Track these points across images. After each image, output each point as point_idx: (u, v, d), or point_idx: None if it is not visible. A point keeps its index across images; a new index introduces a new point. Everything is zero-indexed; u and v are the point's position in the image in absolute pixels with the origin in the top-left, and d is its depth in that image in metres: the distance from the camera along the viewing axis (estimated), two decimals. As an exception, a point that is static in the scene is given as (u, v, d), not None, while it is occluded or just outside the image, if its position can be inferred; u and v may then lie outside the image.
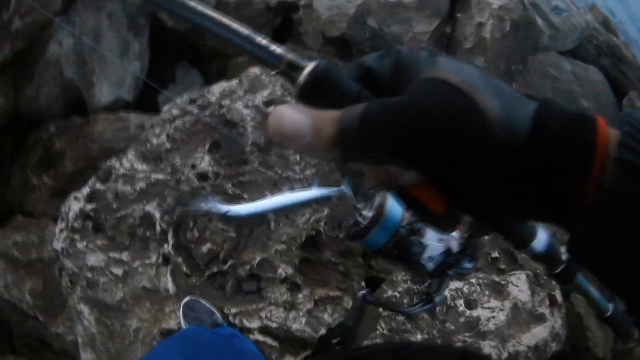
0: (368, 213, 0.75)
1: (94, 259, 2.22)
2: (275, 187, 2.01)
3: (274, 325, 1.90)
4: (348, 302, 1.88)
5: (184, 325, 1.93)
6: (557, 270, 0.76)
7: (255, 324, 1.90)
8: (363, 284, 1.94)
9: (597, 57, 3.33)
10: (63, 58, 3.07)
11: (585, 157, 0.34)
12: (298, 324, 1.87)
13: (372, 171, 0.42)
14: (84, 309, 2.20)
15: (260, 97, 2.14)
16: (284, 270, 1.93)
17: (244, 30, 0.45)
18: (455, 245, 0.81)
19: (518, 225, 0.61)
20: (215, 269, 2.00)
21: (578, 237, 0.35)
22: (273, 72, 0.45)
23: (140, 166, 2.25)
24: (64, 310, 2.57)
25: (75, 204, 2.38)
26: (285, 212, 1.94)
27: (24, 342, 2.80)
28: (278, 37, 2.77)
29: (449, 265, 0.82)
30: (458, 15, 2.93)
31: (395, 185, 0.40)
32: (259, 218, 2.01)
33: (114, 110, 2.91)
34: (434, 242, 0.80)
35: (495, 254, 2.03)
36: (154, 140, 2.26)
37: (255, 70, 2.25)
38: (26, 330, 2.75)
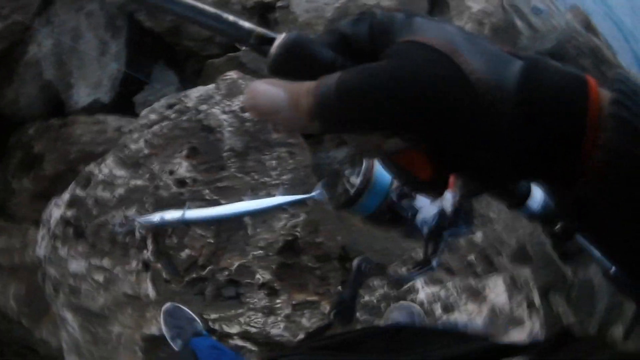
0: (356, 180, 0.74)
1: (76, 265, 2.23)
2: (253, 192, 2.03)
3: (253, 330, 1.93)
4: (325, 307, 1.91)
5: (165, 332, 1.95)
6: (557, 228, 0.76)
7: (234, 329, 1.94)
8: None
9: (576, 58, 3.33)
10: (42, 59, 3.04)
11: (579, 116, 0.33)
12: (277, 329, 1.90)
13: (354, 140, 0.41)
14: (68, 315, 2.23)
15: (237, 102, 2.14)
16: (262, 275, 1.96)
17: (210, 9, 0.43)
18: (448, 207, 0.79)
19: (513, 185, 0.61)
20: (194, 275, 2.03)
21: (578, 197, 0.34)
22: (243, 47, 0.44)
23: (119, 172, 2.25)
24: (48, 314, 2.58)
25: (56, 210, 2.39)
26: (246, 217, 1.97)
27: (13, 350, 2.82)
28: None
29: (444, 227, 0.80)
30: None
31: (378, 153, 0.39)
32: (237, 223, 2.03)
33: (91, 111, 2.91)
34: (427, 205, 0.78)
35: (472, 258, 2.06)
36: (132, 146, 2.26)
37: (232, 74, 2.25)
38: (14, 337, 2.76)
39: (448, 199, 0.79)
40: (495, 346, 0.71)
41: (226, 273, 1.98)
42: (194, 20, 0.43)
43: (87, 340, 2.17)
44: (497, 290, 2.04)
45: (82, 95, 2.93)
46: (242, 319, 1.94)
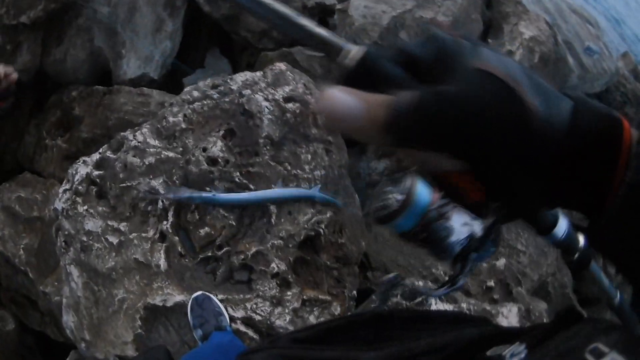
0: (397, 196, 0.75)
1: (92, 224, 2.22)
2: (283, 182, 2.02)
3: (257, 317, 1.89)
4: (337, 308, 1.87)
5: (189, 318, 1.91)
6: (575, 257, 0.81)
7: (239, 313, 1.90)
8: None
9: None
10: (95, 26, 3.10)
11: (614, 153, 0.37)
12: (282, 321, 1.86)
13: (412, 156, 0.43)
14: (74, 271, 2.21)
15: (281, 92, 2.15)
16: (277, 265, 1.92)
17: (286, 10, 0.45)
18: (478, 230, 0.82)
19: (544, 213, 0.66)
20: (209, 253, 2.00)
21: (601, 225, 0.38)
22: (316, 54, 0.47)
23: (153, 141, 2.26)
24: (56, 271, 2.57)
25: (82, 168, 2.39)
26: (271, 206, 1.95)
27: (10, 296, 2.81)
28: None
29: (472, 249, 0.83)
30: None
31: (435, 171, 0.42)
32: (261, 210, 2.01)
33: (138, 85, 2.94)
34: (459, 227, 0.80)
35: (491, 284, 2.01)
36: (171, 118, 2.27)
37: (281, 65, 2.26)
38: (14, 285, 2.76)
39: (478, 223, 0.82)
40: (492, 330, 0.67)
41: (242, 257, 1.95)
42: (268, 20, 0.45)
43: (88, 298, 2.14)
44: (510, 318, 1.98)
45: (131, 67, 2.97)
46: (248, 305, 1.90)
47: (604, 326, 0.44)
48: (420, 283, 1.79)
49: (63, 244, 2.30)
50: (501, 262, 2.07)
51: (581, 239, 0.82)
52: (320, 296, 1.92)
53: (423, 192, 0.75)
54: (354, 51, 0.40)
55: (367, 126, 0.37)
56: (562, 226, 0.76)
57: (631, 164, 0.37)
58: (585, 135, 0.37)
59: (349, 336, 0.77)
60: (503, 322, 1.92)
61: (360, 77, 0.40)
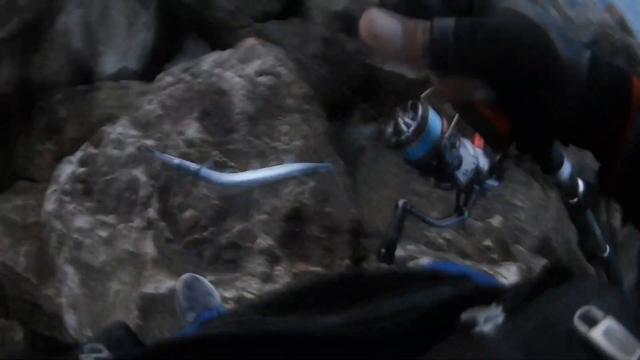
0: (411, 122, 0.74)
1: (82, 221, 2.22)
2: (263, 155, 1.98)
3: (249, 296, 1.86)
4: (326, 276, 1.83)
5: (181, 302, 1.89)
6: (574, 200, 0.85)
7: (230, 293, 1.87)
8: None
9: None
10: (71, 29, 3.09)
11: (627, 102, 0.41)
12: (273, 296, 1.83)
13: (444, 83, 0.44)
14: (69, 269, 2.22)
15: (253, 67, 2.11)
16: (264, 240, 1.89)
17: None
18: (484, 163, 0.84)
19: (552, 152, 0.68)
20: (196, 235, 1.98)
21: (611, 167, 0.43)
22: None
23: (131, 131, 2.24)
24: (56, 273, 2.58)
25: (67, 167, 2.39)
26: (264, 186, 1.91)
27: (17, 305, 2.83)
28: (286, 12, 2.74)
29: (477, 181, 0.84)
30: None
31: (465, 100, 0.44)
32: (242, 189, 1.98)
33: (120, 79, 2.93)
34: (468, 157, 0.81)
35: (488, 243, 1.95)
36: (147, 107, 2.25)
37: (251, 40, 2.22)
38: (19, 294, 2.78)
39: (484, 156, 0.85)
40: (471, 290, 0.60)
41: (227, 235, 1.93)
42: None
43: (85, 295, 2.15)
44: (510, 278, 1.92)
45: (110, 63, 2.96)
46: (239, 284, 1.87)
47: (597, 287, 0.39)
48: (413, 246, 1.74)
49: (57, 244, 2.31)
50: (497, 220, 2.00)
51: (581, 185, 0.85)
52: (310, 268, 1.89)
53: (436, 120, 0.76)
54: None
55: (407, 46, 0.38)
56: (566, 168, 0.79)
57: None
58: (601, 83, 0.41)
59: (313, 301, 0.73)
60: (503, 282, 1.86)
61: (400, 4, 0.41)
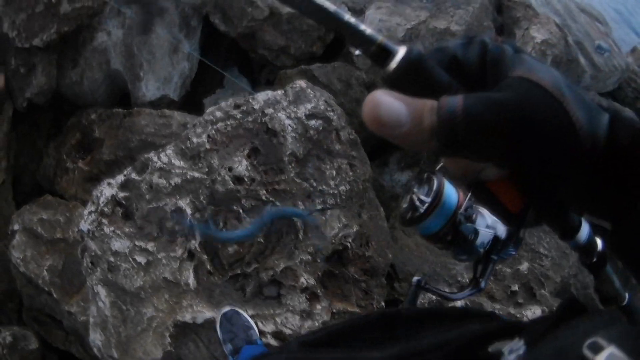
0: (426, 198, 0.74)
1: (119, 245, 2.26)
2: (309, 198, 2.06)
3: (287, 331, 1.92)
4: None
5: (219, 335, 1.94)
6: (593, 260, 0.84)
7: (269, 327, 1.93)
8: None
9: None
10: (111, 47, 3.14)
11: None
12: (313, 335, 1.89)
13: (453, 162, 0.45)
14: (102, 290, 2.24)
15: (303, 110, 2.20)
16: (306, 280, 1.96)
17: (330, 6, 0.43)
18: (501, 232, 0.82)
19: (570, 218, 0.67)
20: (238, 271, 2.03)
21: (624, 232, 0.41)
22: (358, 53, 0.44)
23: (178, 162, 2.30)
24: (81, 291, 2.60)
25: (108, 190, 2.43)
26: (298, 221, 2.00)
27: (32, 316, 2.83)
28: (329, 53, 2.85)
29: (495, 251, 0.83)
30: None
31: (474, 178, 0.44)
32: (289, 226, 2.05)
33: (158, 107, 2.97)
34: (484, 229, 0.81)
35: (515, 288, 2.04)
36: (195, 139, 2.32)
37: (301, 83, 2.32)
38: (37, 305, 2.78)
39: (502, 225, 0.83)
40: (496, 325, 0.65)
41: (271, 273, 1.99)
42: (313, 15, 0.43)
43: (116, 317, 2.17)
44: (536, 326, 2.01)
45: (150, 89, 3.01)
46: (278, 319, 1.93)
47: (605, 319, 0.43)
48: (447, 289, 1.82)
49: (90, 264, 2.33)
50: (524, 266, 2.11)
51: (599, 243, 0.84)
52: (349, 308, 1.96)
53: (451, 193, 0.75)
54: (399, 53, 0.40)
55: (413, 132, 0.36)
56: (584, 230, 0.78)
57: None
58: (621, 148, 0.39)
59: (356, 337, 0.76)
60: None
61: (408, 80, 0.40)
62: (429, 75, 0.40)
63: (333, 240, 1.99)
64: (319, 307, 1.94)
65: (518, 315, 2.04)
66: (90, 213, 2.43)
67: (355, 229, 2.01)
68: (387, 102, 0.36)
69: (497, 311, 2.02)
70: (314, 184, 2.08)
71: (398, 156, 2.44)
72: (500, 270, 2.12)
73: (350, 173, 2.10)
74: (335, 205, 2.02)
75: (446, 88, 0.40)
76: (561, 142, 0.38)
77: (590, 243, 0.81)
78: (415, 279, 0.99)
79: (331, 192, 2.06)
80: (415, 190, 0.77)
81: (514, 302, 2.05)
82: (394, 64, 0.40)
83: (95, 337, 2.30)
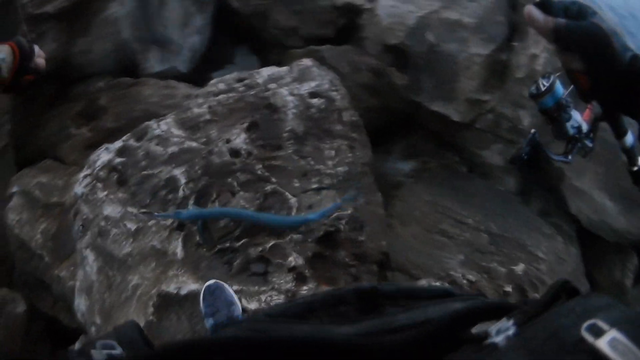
0: (546, 82, 1.25)
1: (111, 210, 2.23)
2: (305, 176, 2.00)
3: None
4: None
5: (202, 308, 1.89)
6: (635, 168, 1.03)
7: (253, 304, 1.87)
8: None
9: None
10: (123, 18, 3.12)
11: None
12: (297, 315, 1.83)
13: (561, 55, 0.70)
14: (90, 255, 2.21)
15: (307, 87, 2.15)
16: (294, 259, 1.90)
17: None
18: (585, 128, 1.30)
19: (620, 118, 0.89)
20: (227, 244, 1.99)
21: None
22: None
23: (177, 131, 2.27)
24: (72, 256, 2.58)
25: (105, 154, 2.41)
26: (292, 200, 1.94)
27: (23, 280, 2.81)
28: (340, 37, 2.79)
29: (578, 137, 1.29)
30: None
31: (570, 66, 0.70)
32: (283, 203, 2.00)
33: (165, 78, 2.95)
34: (576, 116, 1.27)
35: (508, 289, 1.97)
36: (195, 110, 2.28)
37: (307, 61, 2.27)
38: (29, 269, 2.76)
39: (585, 122, 1.30)
40: (481, 305, 0.62)
41: (259, 249, 1.94)
42: None
43: (101, 283, 2.14)
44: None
45: (158, 60, 2.99)
46: (263, 297, 1.87)
47: (603, 302, 0.41)
48: (438, 283, 1.76)
49: (80, 227, 2.31)
50: (520, 268, 2.03)
51: None
52: (336, 293, 1.90)
53: (559, 85, 1.24)
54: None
55: (544, 27, 0.68)
56: (630, 137, 1.00)
57: None
58: (634, 69, 0.67)
59: (328, 312, 0.74)
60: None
61: (542, 7, 0.70)
62: (553, 8, 0.71)
63: (326, 221, 1.94)
64: (305, 288, 1.88)
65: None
66: (85, 176, 2.41)
67: (349, 212, 1.96)
68: (535, 10, 0.69)
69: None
70: (311, 162, 2.03)
71: (402, 145, 2.38)
72: (495, 269, 2.04)
73: (350, 155, 2.05)
74: (332, 185, 1.97)
75: (560, 16, 0.70)
76: (607, 53, 0.66)
77: (634, 149, 1.03)
78: (533, 130, 1.39)
79: (328, 172, 2.01)
80: (540, 79, 1.26)
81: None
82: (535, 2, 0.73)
83: (80, 302, 2.27)
